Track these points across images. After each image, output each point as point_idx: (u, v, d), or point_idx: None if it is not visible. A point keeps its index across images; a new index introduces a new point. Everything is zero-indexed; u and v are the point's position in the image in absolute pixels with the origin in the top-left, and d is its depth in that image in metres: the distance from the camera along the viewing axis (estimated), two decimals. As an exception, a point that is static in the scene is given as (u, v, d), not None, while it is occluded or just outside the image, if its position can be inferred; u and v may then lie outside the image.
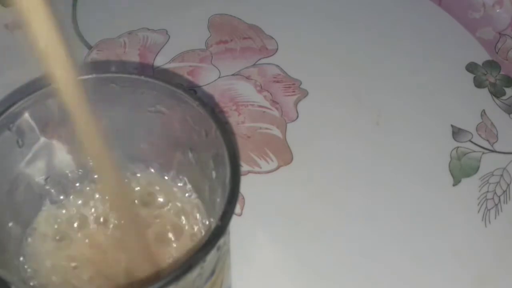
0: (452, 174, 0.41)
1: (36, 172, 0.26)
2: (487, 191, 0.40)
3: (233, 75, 0.45)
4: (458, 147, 0.42)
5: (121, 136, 0.28)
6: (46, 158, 0.26)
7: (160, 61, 0.46)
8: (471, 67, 0.47)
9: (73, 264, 0.26)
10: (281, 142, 0.42)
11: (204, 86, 0.44)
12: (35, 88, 0.26)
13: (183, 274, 0.21)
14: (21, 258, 0.26)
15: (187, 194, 0.28)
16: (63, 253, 0.26)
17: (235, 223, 0.24)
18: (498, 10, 0.51)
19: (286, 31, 0.48)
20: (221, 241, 0.24)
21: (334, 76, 0.46)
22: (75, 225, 0.27)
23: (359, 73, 0.46)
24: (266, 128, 0.43)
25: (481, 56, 0.48)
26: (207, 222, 0.27)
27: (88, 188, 0.28)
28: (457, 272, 0.37)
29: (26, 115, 0.26)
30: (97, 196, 0.28)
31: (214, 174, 0.26)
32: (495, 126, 0.44)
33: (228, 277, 0.30)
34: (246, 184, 0.39)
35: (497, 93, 0.45)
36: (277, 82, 0.45)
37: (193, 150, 0.28)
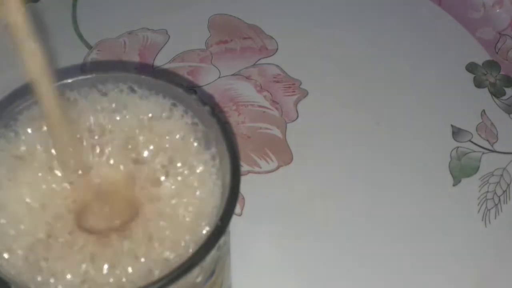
0: (452, 174, 0.41)
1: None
2: (487, 191, 0.40)
3: (233, 75, 0.45)
4: (458, 147, 0.42)
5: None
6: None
7: (160, 61, 0.46)
8: (471, 67, 0.47)
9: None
10: (281, 142, 0.42)
11: (204, 86, 0.44)
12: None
13: (183, 274, 0.21)
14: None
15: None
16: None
17: (235, 223, 0.24)
18: (498, 10, 0.51)
19: (286, 31, 0.48)
20: (221, 241, 0.24)
21: (334, 76, 0.46)
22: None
23: (359, 73, 0.46)
24: (266, 128, 0.43)
25: (481, 56, 0.48)
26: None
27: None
28: (457, 272, 0.37)
29: (26, 115, 0.26)
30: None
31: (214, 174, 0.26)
32: (495, 126, 0.44)
33: (228, 277, 0.30)
34: (246, 184, 0.39)
35: (497, 93, 0.45)
36: (277, 82, 0.45)
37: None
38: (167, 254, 0.23)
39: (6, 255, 0.23)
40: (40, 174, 0.25)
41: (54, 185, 0.25)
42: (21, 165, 0.25)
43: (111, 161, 0.26)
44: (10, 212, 0.24)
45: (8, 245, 0.23)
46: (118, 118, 0.27)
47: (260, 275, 0.36)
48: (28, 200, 0.25)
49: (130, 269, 0.23)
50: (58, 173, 0.25)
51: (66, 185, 0.25)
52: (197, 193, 0.25)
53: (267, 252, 0.37)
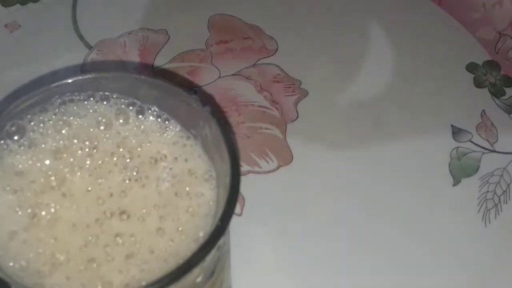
0: (452, 174, 0.41)
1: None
2: (487, 191, 0.40)
3: (233, 75, 0.45)
4: (458, 147, 0.42)
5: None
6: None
7: (160, 61, 0.46)
8: (471, 67, 0.47)
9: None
10: (281, 142, 0.42)
11: (204, 86, 0.44)
12: (35, 87, 0.26)
13: (183, 274, 0.21)
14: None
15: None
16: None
17: (235, 223, 0.24)
18: (498, 10, 0.50)
19: (286, 31, 0.48)
20: (221, 241, 0.24)
21: (334, 76, 0.46)
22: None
23: (359, 73, 0.46)
24: (266, 128, 0.43)
25: (481, 56, 0.48)
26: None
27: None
28: (457, 272, 0.37)
29: (25, 115, 0.26)
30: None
31: (214, 174, 0.26)
32: (495, 126, 0.44)
33: (228, 277, 0.30)
34: (246, 184, 0.39)
35: (497, 93, 0.45)
36: (277, 82, 0.45)
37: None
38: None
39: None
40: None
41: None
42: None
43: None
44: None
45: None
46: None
47: (260, 275, 0.36)
48: None
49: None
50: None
51: None
52: (196, 194, 0.25)
53: (267, 252, 0.37)
